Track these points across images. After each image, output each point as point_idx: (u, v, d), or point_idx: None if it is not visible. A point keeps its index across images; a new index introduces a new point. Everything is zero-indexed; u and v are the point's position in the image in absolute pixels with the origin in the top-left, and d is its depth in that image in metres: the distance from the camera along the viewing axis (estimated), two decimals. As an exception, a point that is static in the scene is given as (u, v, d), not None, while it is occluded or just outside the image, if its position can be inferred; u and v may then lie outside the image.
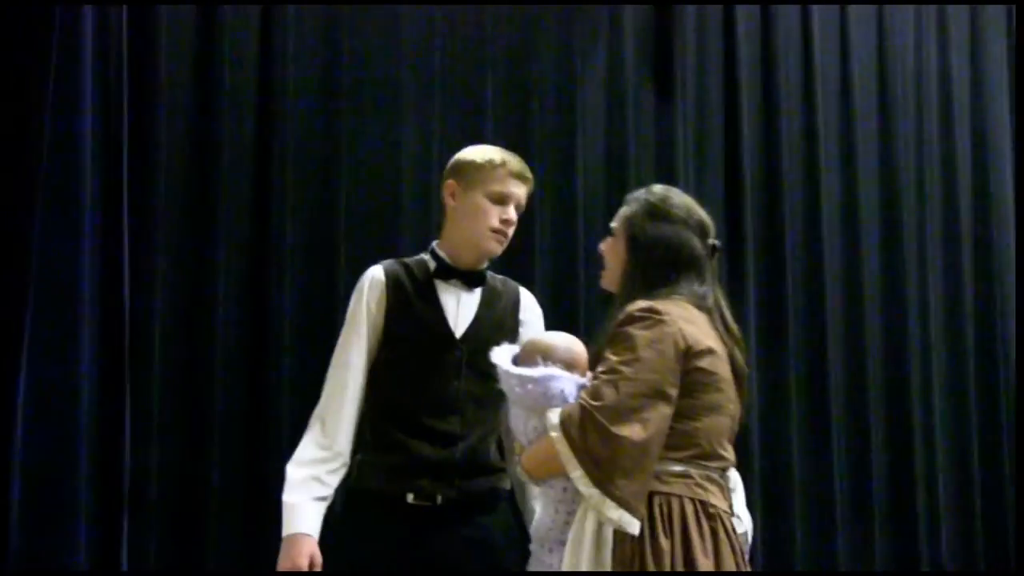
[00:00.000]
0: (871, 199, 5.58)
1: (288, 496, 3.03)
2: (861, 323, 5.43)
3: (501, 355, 2.93)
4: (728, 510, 2.81)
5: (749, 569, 2.80)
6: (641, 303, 2.77)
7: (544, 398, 2.78)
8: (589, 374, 2.83)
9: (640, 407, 2.66)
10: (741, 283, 5.15)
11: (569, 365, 2.85)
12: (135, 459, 4.00)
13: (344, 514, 3.13)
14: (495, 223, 3.17)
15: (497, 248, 3.22)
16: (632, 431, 2.63)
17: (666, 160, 5.13)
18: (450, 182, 3.23)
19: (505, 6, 4.89)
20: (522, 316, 3.31)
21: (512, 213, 3.20)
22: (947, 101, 5.83)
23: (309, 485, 3.03)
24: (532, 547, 2.93)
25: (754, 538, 2.96)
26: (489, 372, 3.10)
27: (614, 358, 2.72)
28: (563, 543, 2.77)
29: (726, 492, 2.83)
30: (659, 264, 2.87)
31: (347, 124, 4.56)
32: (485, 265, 3.27)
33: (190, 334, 4.26)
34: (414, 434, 3.07)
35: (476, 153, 3.23)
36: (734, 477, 2.90)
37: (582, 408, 2.67)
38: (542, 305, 4.66)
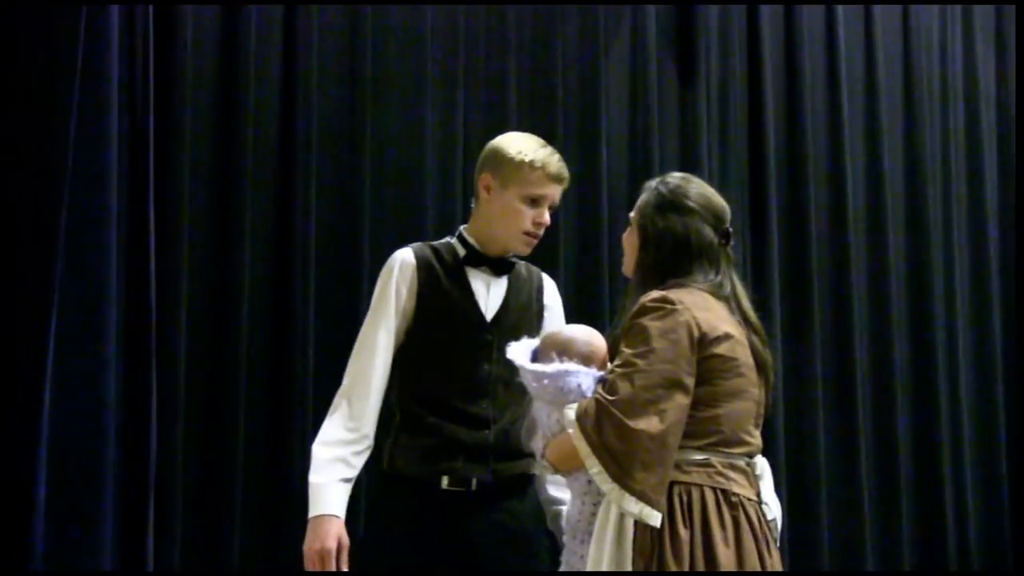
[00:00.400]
0: (896, 183, 5.57)
1: (315, 476, 3.00)
2: (887, 308, 5.41)
3: (517, 351, 2.92)
4: (754, 498, 2.78)
5: (773, 557, 2.77)
6: (654, 294, 2.76)
7: (560, 393, 2.77)
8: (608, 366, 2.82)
9: (656, 399, 2.64)
10: (765, 268, 5.14)
11: (587, 359, 2.83)
12: (161, 451, 4.03)
13: (378, 500, 3.12)
14: (528, 226, 3.14)
15: (526, 250, 3.20)
16: (649, 424, 2.61)
17: (690, 144, 5.12)
18: (486, 175, 3.18)
19: (528, -7, 4.90)
20: (546, 301, 3.28)
21: (546, 216, 3.17)
22: (973, 83, 5.80)
23: (336, 466, 2.99)
24: (565, 538, 2.92)
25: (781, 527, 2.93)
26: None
27: (628, 351, 2.70)
28: (592, 534, 2.77)
29: (752, 479, 2.80)
30: (670, 255, 2.85)
31: (370, 113, 4.57)
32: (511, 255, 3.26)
33: (216, 326, 4.28)
34: (447, 417, 3.06)
35: (515, 148, 3.15)
36: (761, 463, 2.86)
37: (598, 403, 2.66)
38: (566, 290, 4.71)
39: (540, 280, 3.31)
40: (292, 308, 4.36)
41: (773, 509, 2.84)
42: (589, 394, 2.74)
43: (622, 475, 2.61)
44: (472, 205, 3.24)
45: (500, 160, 3.15)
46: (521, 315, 3.18)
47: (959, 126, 5.76)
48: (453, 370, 3.09)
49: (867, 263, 5.45)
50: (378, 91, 4.61)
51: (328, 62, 4.55)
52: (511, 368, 3.02)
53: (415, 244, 3.21)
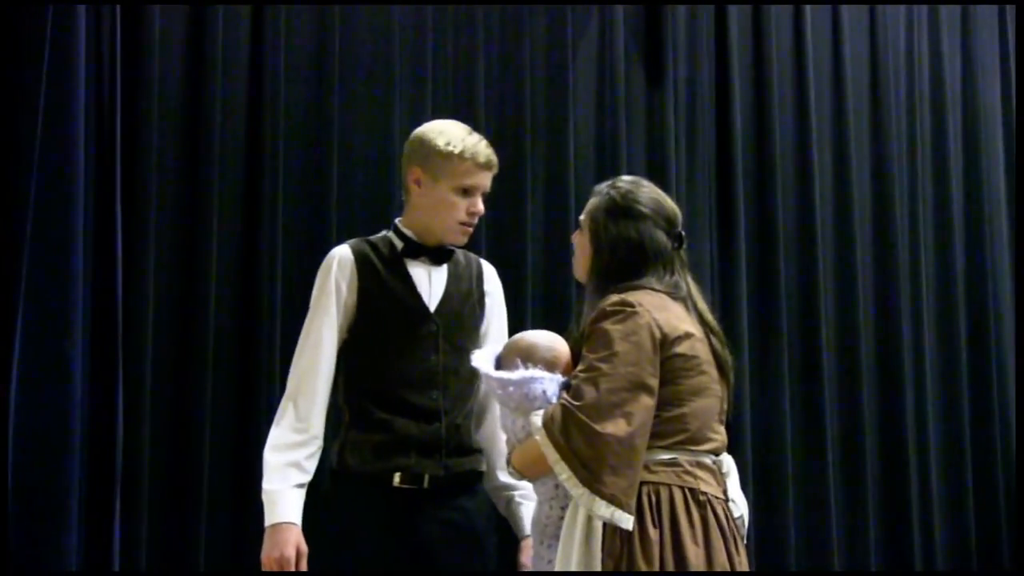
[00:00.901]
0: (863, 184, 5.59)
1: (268, 483, 2.98)
2: (854, 308, 5.43)
3: (481, 358, 2.93)
4: (721, 496, 2.80)
5: (741, 555, 2.79)
6: (613, 298, 2.78)
7: (526, 400, 2.78)
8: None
9: (621, 402, 2.66)
10: (732, 269, 5.16)
11: (551, 364, 2.85)
12: (127, 448, 4.01)
13: (329, 499, 3.09)
14: (463, 216, 3.15)
15: (463, 240, 3.20)
16: (616, 427, 2.63)
17: (657, 145, 5.13)
18: (415, 168, 3.17)
19: (497, -10, 4.91)
20: (486, 287, 3.28)
21: (479, 205, 3.17)
22: (939, 86, 5.83)
23: (288, 472, 2.98)
24: (531, 543, 2.94)
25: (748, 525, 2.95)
26: (464, 344, 3.13)
27: (591, 356, 2.72)
28: (559, 538, 2.78)
29: (718, 477, 2.83)
30: (623, 261, 2.87)
31: (338, 111, 4.56)
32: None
33: (182, 323, 4.26)
34: (397, 412, 3.05)
35: (443, 140, 3.14)
36: (727, 461, 2.89)
37: (564, 409, 2.68)
38: (533, 291, 4.72)
39: (480, 267, 3.30)
40: (259, 306, 4.35)
41: (740, 506, 2.86)
42: (554, 400, 2.75)
43: (592, 479, 2.62)
44: (403, 197, 3.23)
45: (428, 153, 3.13)
46: (463, 303, 3.18)
47: (926, 126, 5.79)
48: (400, 363, 3.08)
49: (834, 264, 5.47)
50: (346, 90, 4.60)
51: (296, 60, 4.54)
52: (459, 358, 3.06)
53: (351, 240, 3.21)
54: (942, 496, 5.56)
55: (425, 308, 3.12)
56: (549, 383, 2.79)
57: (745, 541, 2.85)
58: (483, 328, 3.25)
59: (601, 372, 2.68)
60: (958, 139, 5.85)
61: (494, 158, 3.18)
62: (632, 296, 2.77)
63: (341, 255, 3.15)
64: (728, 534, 2.77)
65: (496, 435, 3.17)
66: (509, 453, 2.90)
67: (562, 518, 2.76)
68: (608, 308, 2.75)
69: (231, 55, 4.43)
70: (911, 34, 5.80)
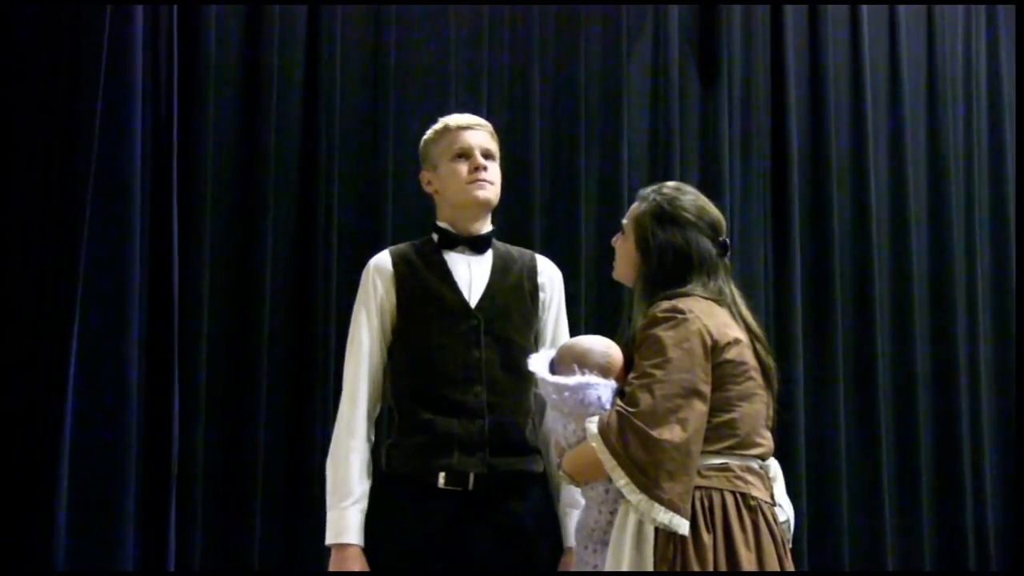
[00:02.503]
0: (919, 184, 5.55)
1: (332, 500, 3.00)
2: (909, 310, 5.40)
3: (538, 362, 2.92)
4: (769, 500, 2.81)
5: (788, 560, 2.79)
6: (664, 304, 2.78)
7: (581, 406, 2.78)
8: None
9: (676, 408, 2.66)
10: (787, 269, 5.14)
11: (605, 370, 2.84)
12: (183, 447, 4.06)
13: (377, 501, 3.05)
14: (466, 174, 3.16)
15: (482, 193, 3.16)
16: (672, 433, 2.64)
17: (711, 146, 5.12)
18: (423, 174, 3.25)
19: (552, -1, 4.92)
20: (540, 280, 3.24)
21: (479, 159, 3.16)
22: (996, 86, 5.78)
23: (347, 489, 2.99)
24: (575, 547, 2.93)
25: (798, 526, 2.94)
26: (511, 338, 3.11)
27: (645, 362, 2.72)
28: (607, 543, 2.77)
29: (766, 481, 2.82)
30: (670, 267, 2.86)
31: (393, 113, 4.59)
32: (489, 229, 3.23)
33: (237, 324, 4.31)
34: (440, 410, 3.03)
35: (425, 136, 3.27)
36: (774, 466, 2.88)
37: (620, 415, 2.68)
38: (587, 294, 4.71)
39: (533, 260, 3.27)
40: (313, 307, 4.38)
41: (786, 511, 2.86)
42: (608, 406, 2.75)
43: (650, 485, 2.62)
44: (432, 204, 3.27)
45: (423, 152, 3.25)
46: (511, 296, 3.15)
47: (983, 127, 5.74)
48: (440, 359, 3.06)
49: (890, 265, 5.44)
50: (401, 91, 4.62)
51: (351, 60, 4.58)
52: (505, 352, 3.06)
53: (392, 246, 3.26)
54: (997, 501, 5.51)
55: (464, 301, 3.10)
56: (604, 389, 2.78)
57: (791, 545, 2.85)
58: (540, 321, 3.23)
59: (655, 379, 2.68)
60: (1014, 139, 5.78)
61: (475, 119, 3.25)
62: (682, 303, 2.77)
63: (378, 259, 3.18)
64: (778, 539, 2.77)
65: None
66: (559, 458, 2.89)
67: (611, 523, 2.76)
68: (660, 315, 2.76)
69: (287, 63, 4.46)
70: (968, 34, 5.75)
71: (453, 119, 3.23)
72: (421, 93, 4.67)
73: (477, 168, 3.15)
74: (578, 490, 2.97)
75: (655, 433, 2.63)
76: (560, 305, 3.29)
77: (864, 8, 5.48)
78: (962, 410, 5.43)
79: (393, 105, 4.59)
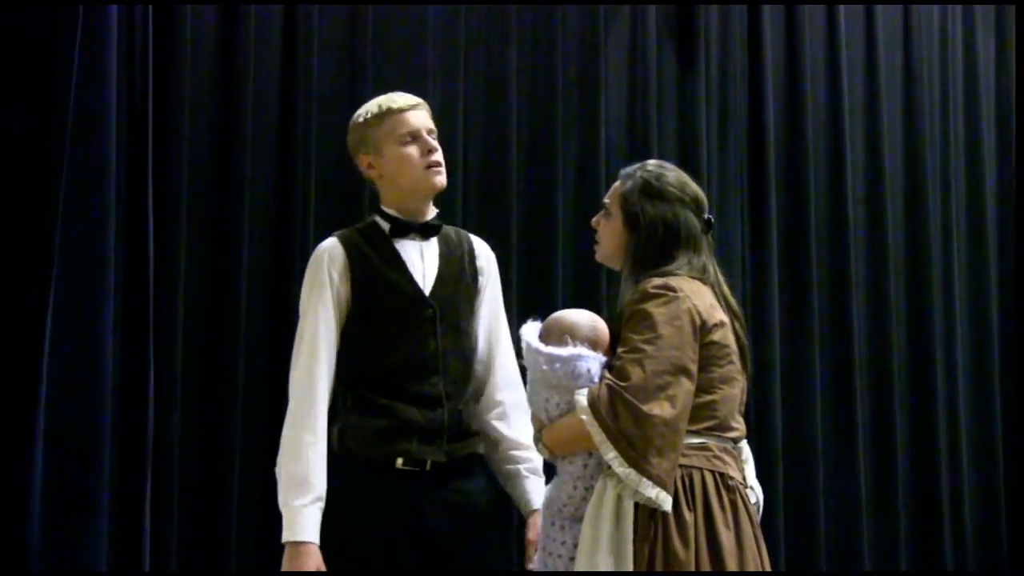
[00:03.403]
0: (896, 176, 5.57)
1: (284, 498, 2.94)
2: (886, 300, 5.42)
3: (530, 331, 2.91)
4: (743, 481, 2.83)
5: (762, 542, 2.80)
6: (655, 280, 2.79)
7: (570, 377, 2.78)
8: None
9: (666, 384, 2.67)
10: (764, 259, 5.15)
11: (593, 343, 2.84)
12: (157, 438, 4.03)
13: (330, 481, 2.99)
14: (421, 159, 3.11)
15: (439, 179, 3.13)
16: (662, 409, 2.65)
17: (689, 134, 5.11)
18: (360, 156, 3.17)
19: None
20: (479, 263, 3.23)
21: (431, 141, 3.13)
22: (973, 77, 5.80)
23: (303, 486, 2.93)
24: (543, 524, 2.92)
25: (775, 507, 2.95)
26: (460, 326, 3.11)
27: (636, 337, 2.72)
28: (578, 520, 2.78)
29: (739, 463, 2.86)
30: (660, 243, 2.87)
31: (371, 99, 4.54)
32: (434, 212, 3.20)
33: (213, 315, 4.27)
34: (399, 398, 3.02)
35: (360, 115, 3.17)
36: (745, 449, 2.93)
37: (611, 389, 2.68)
38: (564, 279, 4.70)
39: (470, 243, 3.26)
40: (291, 295, 4.33)
41: (756, 493, 2.90)
42: (596, 380, 2.75)
43: (638, 459, 2.63)
44: (373, 188, 3.22)
45: (359, 134, 3.16)
46: (457, 283, 3.14)
47: (959, 120, 5.76)
48: (399, 350, 3.04)
49: (866, 255, 5.45)
50: (378, 84, 4.58)
51: (328, 58, 4.54)
52: (458, 340, 3.07)
53: (338, 232, 3.17)
54: (973, 492, 5.55)
55: (420, 292, 3.08)
56: (593, 362, 2.79)
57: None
58: (476, 305, 3.21)
59: (647, 354, 2.69)
60: (991, 129, 5.83)
61: (413, 99, 3.17)
62: (673, 280, 2.78)
63: (331, 246, 3.11)
64: (754, 519, 2.80)
65: (511, 409, 3.18)
66: (538, 430, 2.88)
67: (584, 499, 2.77)
68: (651, 290, 2.76)
69: (263, 51, 4.43)
70: (945, 23, 5.76)
71: (393, 99, 3.15)
72: (398, 80, 4.63)
73: (430, 151, 3.12)
74: (538, 458, 3.01)
75: (646, 408, 2.64)
76: (496, 286, 3.29)
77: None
78: (938, 399, 5.45)
79: (370, 94, 4.54)
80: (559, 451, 2.85)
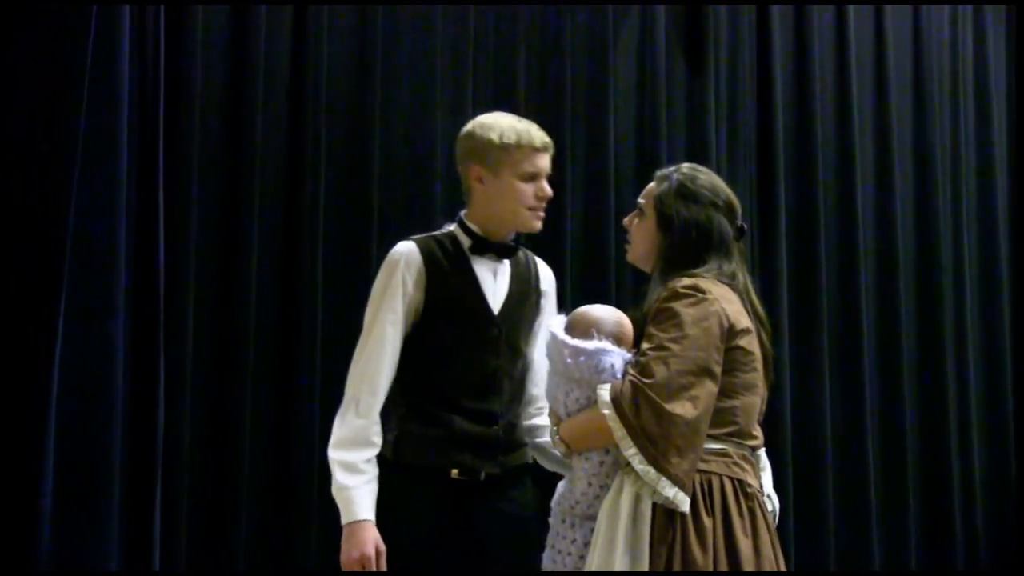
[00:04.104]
0: (906, 177, 5.56)
1: (342, 481, 2.97)
2: (895, 297, 5.42)
3: (556, 324, 2.92)
4: (760, 489, 2.82)
5: (779, 550, 2.78)
6: (685, 280, 2.78)
7: (594, 372, 2.77)
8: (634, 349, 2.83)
9: (690, 385, 2.66)
10: (773, 261, 5.15)
11: (617, 339, 2.83)
12: (167, 440, 4.04)
13: (384, 488, 3.03)
14: (532, 202, 3.12)
15: (538, 224, 3.16)
16: (684, 409, 2.64)
17: (698, 137, 5.11)
18: (474, 167, 3.13)
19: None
20: (543, 287, 3.26)
21: (547, 188, 3.15)
22: (983, 77, 5.79)
23: (359, 469, 2.97)
24: (552, 520, 2.92)
25: (785, 510, 2.94)
26: (521, 348, 3.13)
27: (662, 335, 2.72)
28: (590, 518, 2.78)
29: (757, 471, 2.84)
30: (692, 245, 2.87)
31: (380, 109, 4.57)
32: (514, 236, 3.22)
33: (223, 317, 4.28)
34: (456, 411, 3.05)
35: (495, 133, 3.11)
36: (763, 458, 2.91)
37: (634, 385, 2.67)
38: (573, 280, 4.70)
39: (536, 267, 3.28)
40: (300, 305, 4.36)
41: (773, 502, 2.89)
42: (619, 375, 2.75)
43: (658, 457, 2.62)
44: (465, 196, 3.20)
45: (485, 148, 3.11)
46: (523, 304, 3.17)
47: (969, 121, 5.75)
48: (461, 366, 3.07)
49: (876, 256, 5.45)
50: (387, 87, 4.60)
51: (337, 59, 4.55)
52: (515, 361, 3.07)
53: (416, 237, 3.16)
54: (985, 491, 5.53)
55: (489, 312, 3.10)
56: (616, 357, 2.78)
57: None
58: (536, 326, 3.23)
59: (672, 353, 2.68)
60: (1002, 128, 5.81)
61: (548, 139, 3.16)
62: (704, 282, 2.78)
63: (408, 252, 3.10)
64: (772, 528, 2.78)
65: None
66: (555, 424, 2.88)
67: (599, 497, 2.76)
68: (681, 289, 2.75)
69: (273, 53, 4.44)
70: (955, 25, 5.75)
71: (533, 136, 3.12)
72: (407, 84, 4.65)
73: (543, 198, 3.14)
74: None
75: (668, 407, 2.63)
76: (553, 309, 3.28)
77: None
78: (949, 398, 5.44)
79: (380, 97, 4.57)
80: (576, 446, 2.84)
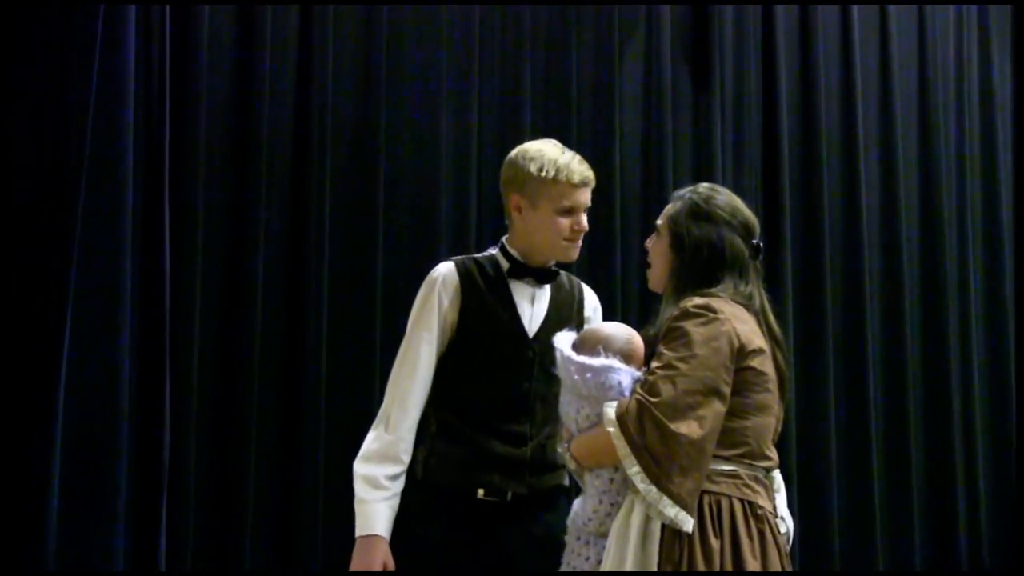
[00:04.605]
0: (911, 188, 5.57)
1: (361, 494, 2.99)
2: (900, 315, 5.42)
3: (563, 340, 2.91)
4: (773, 511, 2.80)
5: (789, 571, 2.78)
6: (697, 300, 2.77)
7: (601, 389, 2.77)
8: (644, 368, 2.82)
9: (697, 404, 2.65)
10: (778, 274, 5.14)
11: (627, 357, 2.82)
12: (173, 451, 4.05)
13: (412, 507, 3.07)
14: (567, 234, 3.12)
15: (573, 254, 3.17)
16: (690, 428, 2.62)
17: (703, 148, 5.12)
18: (514, 196, 3.15)
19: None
20: (587, 314, 3.26)
21: (584, 221, 3.14)
22: (988, 87, 5.80)
23: (378, 484, 3.00)
24: (567, 538, 2.91)
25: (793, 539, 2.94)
26: (556, 372, 3.13)
27: (670, 354, 2.70)
28: (602, 535, 2.77)
29: (770, 493, 2.83)
30: (705, 264, 2.86)
31: (385, 113, 4.58)
32: (553, 262, 3.23)
33: (229, 328, 4.29)
34: (486, 431, 3.06)
35: (536, 165, 3.10)
36: (778, 479, 2.90)
37: (639, 404, 2.66)
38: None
39: (581, 293, 3.28)
40: (305, 310, 4.37)
41: (787, 523, 2.88)
42: (627, 393, 2.74)
43: (661, 477, 2.61)
44: (507, 221, 3.21)
45: (525, 179, 3.12)
46: (561, 328, 3.10)
47: (975, 129, 5.76)
48: (494, 387, 3.09)
49: (881, 269, 5.45)
50: (393, 92, 4.61)
51: (343, 61, 4.56)
52: (549, 385, 3.05)
53: (457, 257, 3.20)
54: (989, 502, 5.53)
55: (525, 334, 3.11)
56: (624, 375, 2.77)
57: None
58: None
59: (680, 372, 2.67)
60: (1008, 142, 5.80)
61: (589, 173, 3.15)
62: (716, 302, 2.76)
63: (447, 272, 3.13)
64: (782, 551, 2.77)
65: None
66: (567, 441, 2.88)
67: (609, 514, 2.75)
68: (692, 308, 2.74)
69: (279, 58, 4.45)
70: (960, 34, 5.75)
71: (572, 170, 3.11)
72: (413, 95, 4.66)
73: (578, 232, 3.14)
74: None
75: (673, 426, 2.61)
76: None
77: (855, 8, 5.49)
78: (954, 410, 5.45)
79: (385, 105, 4.58)
80: (585, 463, 2.83)
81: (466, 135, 4.68)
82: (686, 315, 2.73)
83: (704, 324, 2.71)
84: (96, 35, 3.93)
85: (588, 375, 2.78)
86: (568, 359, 2.84)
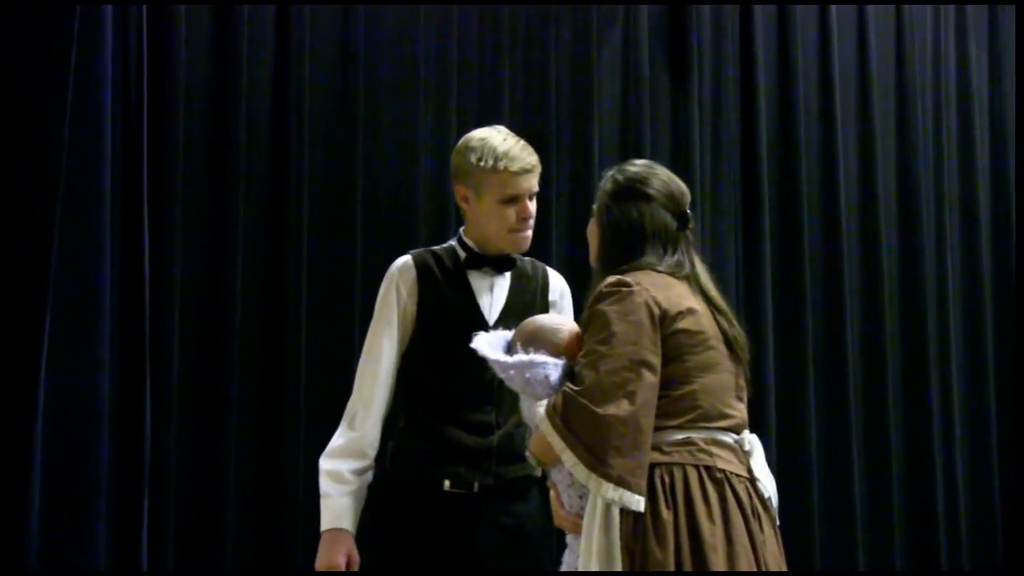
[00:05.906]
0: (889, 183, 5.58)
1: (324, 488, 3.02)
2: (879, 308, 5.43)
3: (483, 340, 2.89)
4: (743, 474, 2.75)
5: (766, 534, 2.73)
6: (610, 279, 2.75)
7: (528, 384, 2.75)
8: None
9: (623, 381, 2.63)
10: (757, 266, 5.16)
11: (556, 348, 2.80)
12: (154, 450, 4.06)
13: (380, 501, 3.09)
14: (513, 223, 3.12)
15: (524, 243, 3.16)
16: (618, 407, 2.60)
17: (682, 145, 5.14)
18: (459, 187, 3.16)
19: (522, -7, 4.92)
20: (551, 298, 3.26)
21: (530, 208, 3.14)
22: (965, 84, 5.82)
23: (341, 479, 3.01)
24: (567, 538, 2.88)
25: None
26: None
27: (591, 340, 2.70)
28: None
29: (740, 455, 2.77)
30: (625, 241, 2.84)
31: (363, 113, 4.59)
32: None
33: (208, 327, 4.31)
34: (450, 422, 3.07)
35: (475, 155, 3.09)
36: (749, 439, 2.82)
37: (564, 395, 2.65)
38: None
39: (545, 278, 3.28)
40: (284, 309, 4.37)
41: (768, 486, 2.81)
42: (558, 385, 2.72)
43: (597, 463, 2.59)
44: (462, 213, 3.22)
45: (468, 170, 3.11)
46: (523, 316, 3.10)
47: (952, 127, 5.77)
48: (456, 376, 3.07)
49: (860, 261, 5.47)
50: (370, 91, 4.62)
51: (321, 60, 4.58)
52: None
53: (414, 251, 3.20)
54: (968, 487, 5.55)
55: (484, 322, 3.11)
56: (552, 368, 2.75)
57: (778, 522, 2.82)
58: None
59: (600, 354, 2.65)
60: (984, 137, 5.83)
61: (531, 159, 3.13)
62: (630, 276, 2.74)
63: (403, 265, 3.15)
64: (749, 512, 2.72)
65: None
66: (528, 440, 2.87)
67: (582, 507, 2.73)
68: (604, 290, 2.73)
69: (256, 56, 4.46)
70: (937, 32, 5.78)
71: (512, 158, 3.08)
72: (390, 92, 4.67)
73: (524, 219, 3.13)
74: None
75: (599, 410, 2.59)
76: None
77: (833, 7, 5.51)
78: (932, 397, 5.47)
79: (363, 102, 4.59)
80: (543, 459, 2.80)
81: (445, 132, 4.68)
82: (600, 298, 2.73)
83: (618, 301, 2.69)
84: (72, 36, 3.93)
85: (511, 372, 2.77)
86: (488, 359, 2.82)
